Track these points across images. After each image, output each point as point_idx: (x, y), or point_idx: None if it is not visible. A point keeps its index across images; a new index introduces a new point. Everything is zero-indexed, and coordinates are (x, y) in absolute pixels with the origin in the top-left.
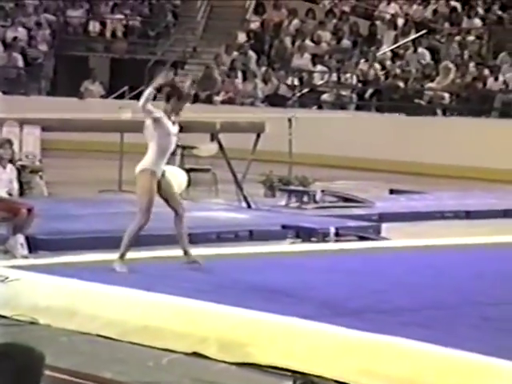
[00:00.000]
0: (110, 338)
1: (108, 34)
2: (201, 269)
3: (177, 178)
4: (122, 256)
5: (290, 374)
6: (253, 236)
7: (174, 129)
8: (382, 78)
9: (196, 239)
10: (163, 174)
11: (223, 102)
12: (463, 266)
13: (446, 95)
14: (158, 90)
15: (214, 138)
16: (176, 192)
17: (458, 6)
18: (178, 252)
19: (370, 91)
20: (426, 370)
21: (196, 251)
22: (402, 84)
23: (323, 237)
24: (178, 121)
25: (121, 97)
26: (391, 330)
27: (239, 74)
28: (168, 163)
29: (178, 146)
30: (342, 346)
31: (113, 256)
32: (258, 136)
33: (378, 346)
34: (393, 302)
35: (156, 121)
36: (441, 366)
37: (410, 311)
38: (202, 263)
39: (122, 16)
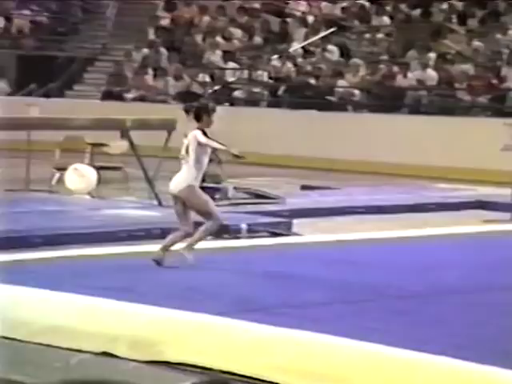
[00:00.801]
0: (17, 340)
1: (14, 30)
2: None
3: (86, 176)
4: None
5: (201, 371)
6: (164, 234)
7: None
8: (294, 74)
9: (106, 238)
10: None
11: (134, 100)
12: (373, 260)
13: (357, 92)
14: (186, 111)
15: (124, 135)
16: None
17: (367, 3)
18: (88, 251)
19: (282, 88)
20: (336, 364)
21: (106, 250)
22: (313, 81)
23: (235, 233)
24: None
25: (28, 94)
26: (302, 325)
27: (150, 71)
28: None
29: (87, 143)
30: (254, 342)
31: (18, 256)
32: (170, 133)
33: (290, 342)
34: (304, 296)
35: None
36: (350, 359)
37: (320, 305)
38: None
39: (28, 12)
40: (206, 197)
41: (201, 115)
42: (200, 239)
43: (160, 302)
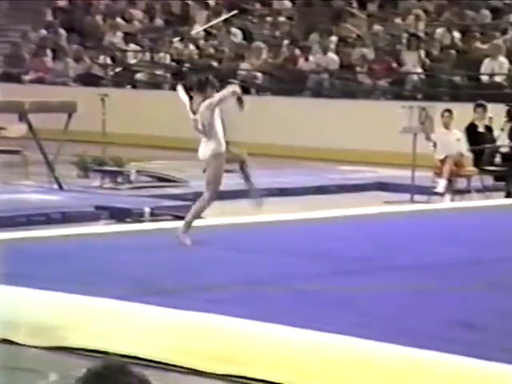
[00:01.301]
0: None
1: None
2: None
3: None
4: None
5: (101, 355)
6: (65, 218)
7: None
8: (196, 57)
9: (5, 222)
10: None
11: (32, 82)
12: (277, 242)
13: (260, 75)
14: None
15: (22, 118)
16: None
17: None
18: None
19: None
20: (239, 346)
21: (4, 235)
22: (215, 63)
23: (138, 217)
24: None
25: None
26: (203, 308)
27: (49, 53)
28: None
29: None
30: (155, 325)
31: None
32: (70, 116)
33: (191, 324)
34: (205, 279)
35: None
36: (253, 341)
37: (221, 287)
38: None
39: None
40: (220, 171)
41: (206, 87)
42: (195, 215)
43: (61, 287)
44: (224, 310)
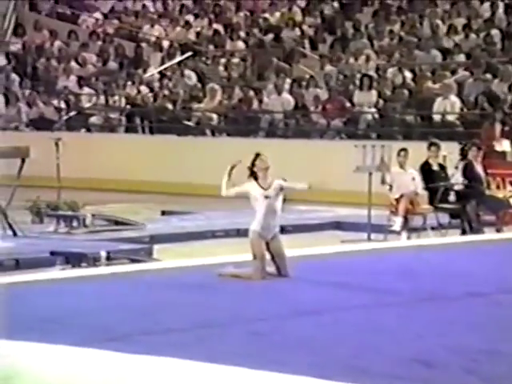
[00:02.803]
0: None
1: None
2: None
3: None
4: None
5: None
6: (19, 264)
7: (266, 192)
8: (151, 100)
9: None
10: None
11: None
12: (230, 284)
13: (214, 116)
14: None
15: None
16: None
17: (221, 28)
18: None
19: (138, 114)
20: None
21: None
22: (170, 106)
23: (94, 261)
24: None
25: None
26: (162, 352)
27: (1, 98)
28: None
29: None
30: (113, 370)
31: None
32: (23, 161)
33: (149, 369)
34: (163, 323)
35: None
36: (213, 382)
37: (180, 331)
38: None
39: None
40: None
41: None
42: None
43: (12, 335)
44: (180, 353)
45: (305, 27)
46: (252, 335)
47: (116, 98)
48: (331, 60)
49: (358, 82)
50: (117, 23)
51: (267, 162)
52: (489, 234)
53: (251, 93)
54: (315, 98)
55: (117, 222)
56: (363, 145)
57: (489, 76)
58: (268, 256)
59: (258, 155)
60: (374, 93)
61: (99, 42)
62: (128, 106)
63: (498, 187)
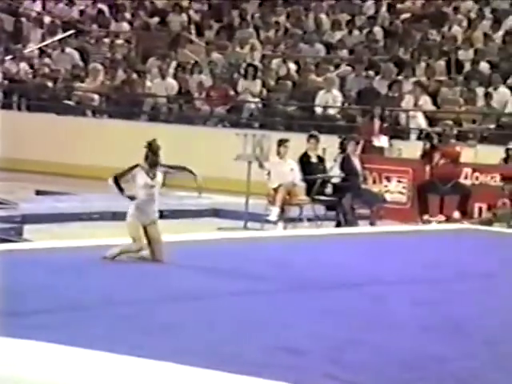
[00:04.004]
0: None
1: None
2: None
3: None
4: None
5: None
6: None
7: (153, 181)
8: (30, 76)
9: None
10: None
11: None
12: (106, 266)
13: (96, 97)
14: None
15: None
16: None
17: (106, 8)
18: None
19: (17, 90)
20: (61, 372)
21: None
22: (50, 84)
23: None
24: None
25: None
26: (27, 334)
27: None
28: None
29: None
30: None
31: None
32: None
33: (11, 351)
34: (28, 304)
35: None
36: (76, 367)
37: (47, 313)
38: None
39: None
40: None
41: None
42: None
43: None
44: (44, 335)
45: (191, 13)
46: (119, 319)
47: None
48: (217, 47)
49: (242, 71)
50: None
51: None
52: (363, 227)
53: (135, 75)
54: (199, 84)
55: None
56: (244, 133)
57: (371, 72)
58: (144, 240)
59: (150, 144)
60: (258, 82)
61: None
62: (6, 82)
63: (374, 182)
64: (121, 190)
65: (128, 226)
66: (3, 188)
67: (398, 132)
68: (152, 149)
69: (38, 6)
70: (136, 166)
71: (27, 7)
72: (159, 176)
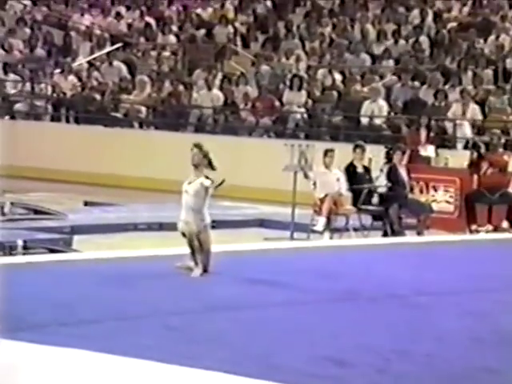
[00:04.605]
0: None
1: None
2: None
3: None
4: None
5: None
6: None
7: (187, 187)
8: (78, 89)
9: None
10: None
11: None
12: (151, 276)
13: (143, 109)
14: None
15: None
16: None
17: (153, 21)
18: None
19: (65, 102)
20: (108, 381)
21: None
22: (98, 96)
23: (10, 250)
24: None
25: None
26: (75, 344)
27: None
28: None
29: None
30: (23, 362)
31: None
32: None
33: (63, 361)
34: (77, 314)
35: None
36: (126, 377)
37: (93, 323)
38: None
39: None
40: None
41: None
42: None
43: None
44: (92, 345)
45: (237, 25)
46: (166, 329)
47: (43, 85)
48: (262, 58)
49: (288, 82)
50: (45, 10)
51: (195, 158)
52: (410, 237)
53: (181, 87)
54: (245, 95)
55: (37, 211)
56: (292, 144)
57: (417, 82)
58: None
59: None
60: (303, 93)
61: (27, 29)
62: (55, 95)
63: (421, 191)
64: None
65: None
66: (52, 199)
67: (444, 141)
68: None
69: (87, 20)
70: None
71: (76, 21)
72: (197, 183)
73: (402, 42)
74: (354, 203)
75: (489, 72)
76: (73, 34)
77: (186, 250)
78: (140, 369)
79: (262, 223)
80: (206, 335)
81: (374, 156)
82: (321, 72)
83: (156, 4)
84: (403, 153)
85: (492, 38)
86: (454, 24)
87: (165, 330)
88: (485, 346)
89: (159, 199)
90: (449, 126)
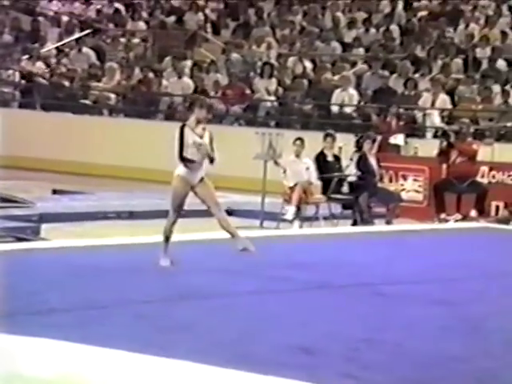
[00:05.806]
0: None
1: None
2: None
3: None
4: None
5: None
6: None
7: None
8: (47, 75)
9: None
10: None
11: None
12: (120, 265)
13: (112, 96)
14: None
15: None
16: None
17: (122, 7)
18: None
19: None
20: (78, 370)
21: None
22: (67, 83)
23: None
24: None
25: None
26: (43, 332)
27: None
28: None
29: None
30: None
31: None
32: None
33: (28, 349)
34: (46, 303)
35: None
36: (93, 366)
37: (63, 312)
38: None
39: None
40: (178, 195)
41: (193, 106)
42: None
43: None
44: (61, 334)
45: (208, 11)
46: (136, 318)
47: (10, 72)
48: (233, 46)
49: (258, 70)
50: None
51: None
52: (379, 226)
53: (151, 74)
54: (215, 83)
55: (4, 199)
56: (263, 132)
57: (387, 71)
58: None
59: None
60: (274, 81)
61: None
62: (23, 81)
63: (390, 180)
64: (193, 161)
65: (175, 181)
66: (20, 187)
67: (414, 130)
68: (199, 103)
69: (55, 6)
70: (183, 125)
71: (44, 7)
72: (207, 135)
73: (372, 30)
74: (324, 192)
75: (458, 61)
76: (41, 19)
77: (157, 239)
78: (111, 358)
79: (231, 212)
80: (175, 324)
81: (345, 145)
82: (291, 60)
83: None
84: (373, 141)
85: (462, 27)
86: (425, 13)
87: (135, 319)
88: (454, 334)
89: (129, 187)
90: (418, 114)
